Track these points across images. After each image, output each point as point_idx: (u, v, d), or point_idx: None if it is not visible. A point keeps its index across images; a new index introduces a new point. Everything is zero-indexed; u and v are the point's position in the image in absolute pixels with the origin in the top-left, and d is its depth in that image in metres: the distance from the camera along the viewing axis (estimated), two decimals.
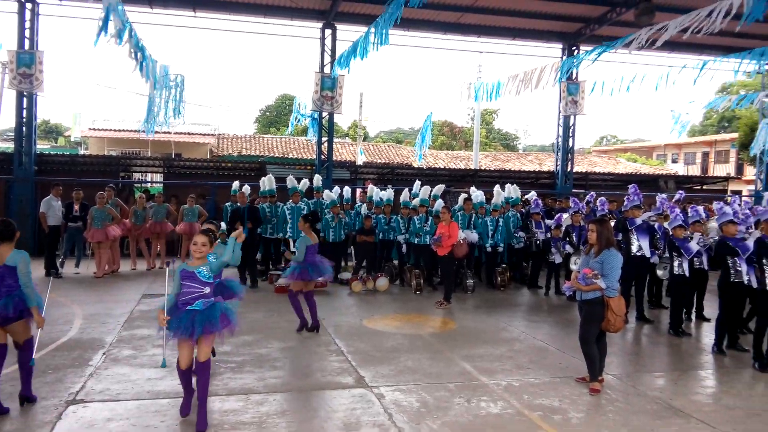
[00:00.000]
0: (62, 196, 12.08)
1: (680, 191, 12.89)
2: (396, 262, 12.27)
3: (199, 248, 4.94)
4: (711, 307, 9.03)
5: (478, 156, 28.36)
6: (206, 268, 4.89)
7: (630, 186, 10.04)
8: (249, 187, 12.18)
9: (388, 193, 12.49)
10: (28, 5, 14.30)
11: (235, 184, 12.28)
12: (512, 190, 12.38)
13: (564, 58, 16.95)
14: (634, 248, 9.05)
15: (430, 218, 11.42)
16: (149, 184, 18.85)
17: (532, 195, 12.89)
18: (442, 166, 27.70)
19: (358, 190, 16.29)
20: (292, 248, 11.40)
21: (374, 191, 12.83)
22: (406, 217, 11.85)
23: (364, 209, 12.58)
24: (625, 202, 9.61)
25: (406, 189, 12.57)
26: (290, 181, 12.37)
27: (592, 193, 12.95)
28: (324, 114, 16.04)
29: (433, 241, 10.21)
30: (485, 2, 15.21)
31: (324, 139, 16.36)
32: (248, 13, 15.48)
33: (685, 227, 8.38)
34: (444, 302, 9.89)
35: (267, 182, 12.27)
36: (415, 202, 12.01)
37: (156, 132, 14.57)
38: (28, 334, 5.14)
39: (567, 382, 6.17)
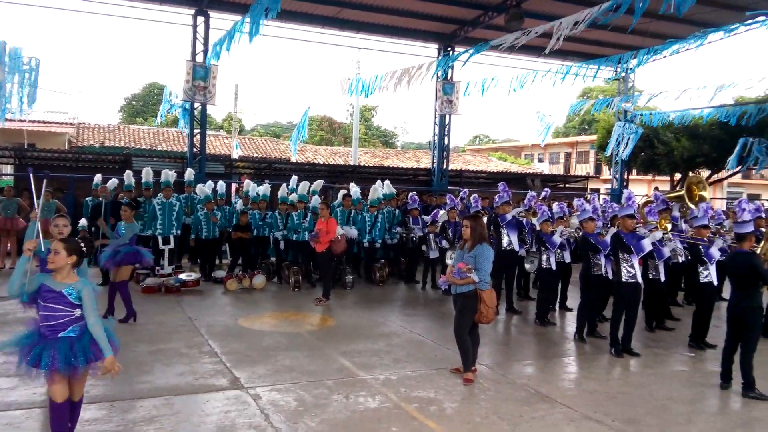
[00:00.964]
0: None
1: (546, 189, 13.67)
2: (273, 259, 12.01)
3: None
4: (572, 298, 9.67)
5: (357, 152, 28.56)
6: (77, 290, 4.08)
7: (500, 184, 10.48)
8: (116, 181, 11.43)
9: (264, 188, 12.15)
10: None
11: (97, 177, 11.53)
12: (386, 186, 12.53)
13: (440, 57, 17.42)
14: (504, 243, 9.47)
15: (309, 214, 11.28)
16: None
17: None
18: (322, 162, 27.57)
19: (234, 185, 15.77)
20: (161, 246, 10.82)
21: (250, 186, 12.49)
22: (284, 213, 11.63)
23: (239, 205, 12.19)
24: (496, 199, 10.02)
25: (284, 184, 12.32)
26: (165, 174, 11.68)
27: (466, 189, 13.40)
28: (196, 105, 15.31)
29: (311, 237, 10.09)
30: None
31: (196, 131, 15.60)
32: None
33: (551, 222, 8.91)
34: (323, 299, 9.79)
35: (144, 175, 11.55)
36: (293, 197, 11.80)
37: (6, 120, 13.20)
38: None
39: (442, 373, 6.31)
